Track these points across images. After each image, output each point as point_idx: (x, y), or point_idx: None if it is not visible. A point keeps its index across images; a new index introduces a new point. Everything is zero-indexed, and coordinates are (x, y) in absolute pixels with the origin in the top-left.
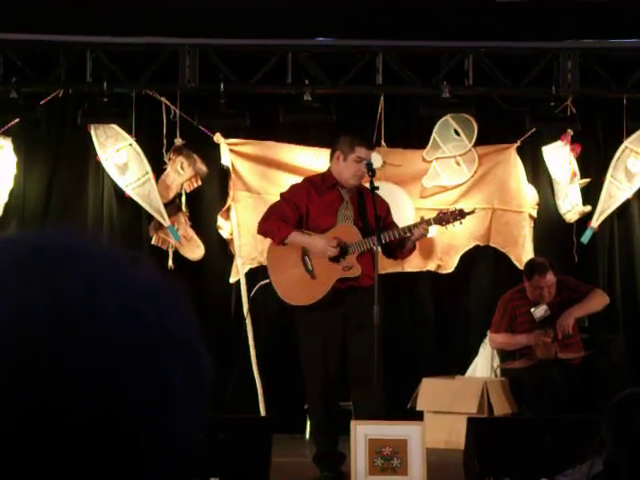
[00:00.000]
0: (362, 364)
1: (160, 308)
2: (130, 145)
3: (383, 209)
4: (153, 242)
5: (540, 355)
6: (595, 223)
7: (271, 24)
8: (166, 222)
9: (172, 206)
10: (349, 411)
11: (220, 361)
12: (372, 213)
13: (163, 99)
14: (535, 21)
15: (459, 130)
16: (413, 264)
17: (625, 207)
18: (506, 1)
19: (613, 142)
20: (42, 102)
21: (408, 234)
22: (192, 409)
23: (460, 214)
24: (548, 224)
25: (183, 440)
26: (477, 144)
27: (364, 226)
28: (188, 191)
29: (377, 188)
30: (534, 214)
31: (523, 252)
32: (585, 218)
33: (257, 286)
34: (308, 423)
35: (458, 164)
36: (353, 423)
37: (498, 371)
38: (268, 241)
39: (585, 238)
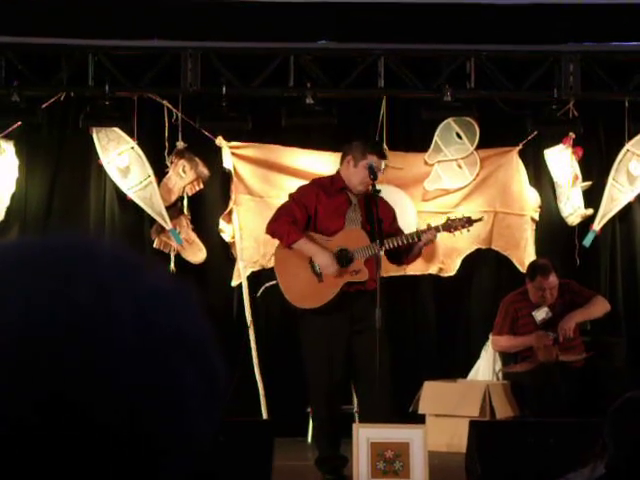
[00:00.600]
0: (368, 367)
1: (172, 310)
2: (132, 148)
3: (389, 214)
4: (155, 245)
5: (542, 358)
6: (597, 226)
7: (273, 27)
8: (168, 225)
9: (174, 209)
10: (351, 414)
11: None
12: (381, 217)
13: (165, 102)
14: (537, 24)
15: (461, 133)
16: (415, 267)
17: (627, 210)
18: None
19: (615, 145)
20: (44, 105)
21: (416, 240)
22: (205, 410)
23: (468, 221)
24: (550, 227)
25: (197, 440)
26: (479, 147)
27: (372, 230)
28: (190, 194)
29: (379, 191)
30: (536, 217)
31: (525, 255)
32: (587, 221)
33: (263, 287)
34: (310, 426)
35: (460, 167)
36: (355, 426)
37: (500, 374)
38: (270, 245)
39: (587, 241)
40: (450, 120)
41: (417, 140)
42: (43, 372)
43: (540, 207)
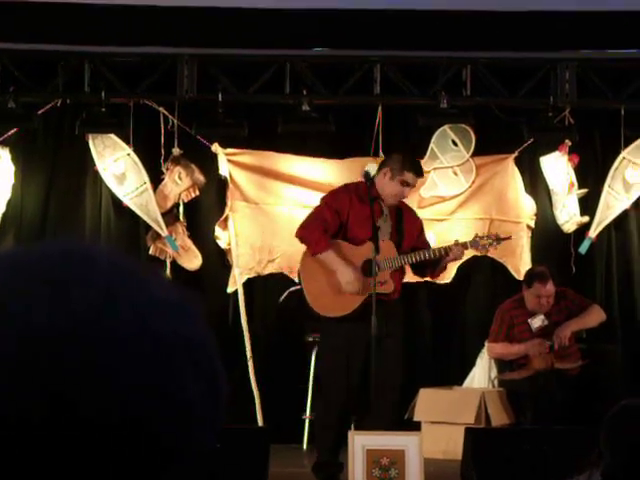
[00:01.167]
0: (387, 376)
1: (170, 314)
2: (128, 155)
3: (417, 227)
4: (151, 252)
5: (537, 366)
6: (593, 233)
7: (269, 34)
8: (164, 232)
9: (170, 216)
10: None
11: None
12: (409, 229)
13: (161, 109)
14: (533, 31)
15: (457, 140)
16: (411, 274)
17: (623, 218)
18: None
19: (611, 152)
20: (40, 112)
21: (444, 255)
22: (207, 415)
23: (496, 239)
24: (546, 234)
25: (199, 444)
26: (475, 154)
27: (399, 242)
28: (186, 201)
29: (376, 198)
30: (532, 224)
31: (521, 262)
32: (583, 228)
33: (287, 292)
34: (306, 433)
35: (456, 174)
36: (351, 433)
37: (496, 382)
38: (266, 252)
39: (583, 248)
40: (446, 127)
41: (413, 147)
42: (43, 372)
43: (536, 214)
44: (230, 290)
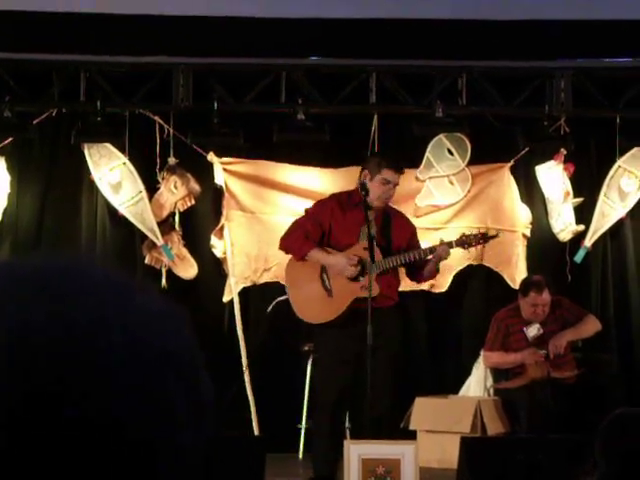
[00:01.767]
0: (379, 385)
1: (160, 328)
2: (124, 164)
3: (408, 231)
4: (146, 261)
5: (533, 375)
6: (588, 242)
7: (265, 43)
8: (159, 241)
9: (165, 225)
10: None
11: (213, 380)
12: (397, 234)
13: (157, 118)
14: (528, 41)
15: (452, 149)
16: (407, 283)
17: (618, 226)
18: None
19: (606, 161)
20: (35, 121)
21: (428, 254)
22: (193, 427)
23: (483, 237)
24: (541, 243)
25: (185, 452)
26: (470, 163)
27: (386, 246)
28: (181, 210)
29: (371, 208)
30: (527, 233)
31: (516, 271)
32: (578, 237)
33: (274, 302)
34: (302, 442)
35: (451, 183)
36: (346, 443)
37: (491, 390)
38: (261, 261)
39: (578, 257)
40: (442, 136)
41: (409, 156)
42: (39, 372)
43: (531, 223)
44: (226, 299)
